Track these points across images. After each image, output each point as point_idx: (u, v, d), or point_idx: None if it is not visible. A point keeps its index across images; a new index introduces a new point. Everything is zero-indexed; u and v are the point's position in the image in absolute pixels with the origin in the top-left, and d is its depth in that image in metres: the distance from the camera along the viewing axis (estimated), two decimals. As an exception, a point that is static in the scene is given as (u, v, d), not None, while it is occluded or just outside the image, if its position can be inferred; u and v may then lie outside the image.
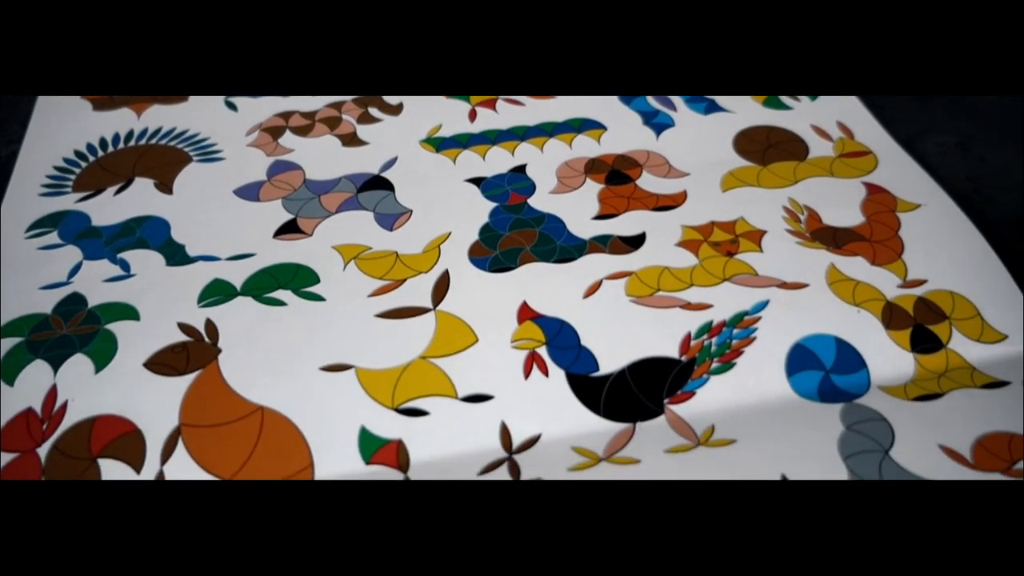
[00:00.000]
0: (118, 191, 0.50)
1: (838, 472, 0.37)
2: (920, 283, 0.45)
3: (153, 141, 0.54)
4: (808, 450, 0.38)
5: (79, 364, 0.40)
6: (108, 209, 0.49)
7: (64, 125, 0.55)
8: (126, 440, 0.37)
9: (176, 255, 0.46)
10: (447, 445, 0.38)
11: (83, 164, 0.52)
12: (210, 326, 0.42)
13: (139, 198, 0.50)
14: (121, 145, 0.54)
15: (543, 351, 0.41)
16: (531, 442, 0.38)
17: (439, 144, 0.54)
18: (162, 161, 0.52)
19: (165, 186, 0.51)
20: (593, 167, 0.52)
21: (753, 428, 0.39)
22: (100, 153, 0.53)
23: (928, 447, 0.38)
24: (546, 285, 0.44)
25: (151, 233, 0.47)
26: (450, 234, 0.47)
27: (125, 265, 0.45)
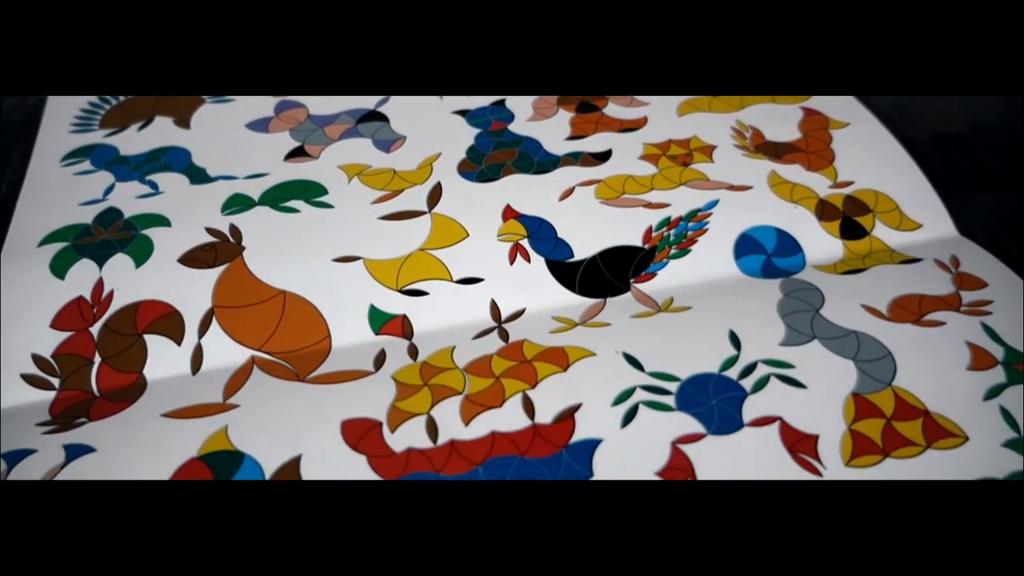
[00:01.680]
0: (141, 127, 0.56)
1: (777, 326, 0.43)
2: (848, 184, 0.52)
3: (168, 87, 0.60)
4: (752, 311, 0.44)
5: (121, 261, 0.46)
6: (133, 142, 0.55)
7: (85, 76, 0.61)
8: (167, 319, 0.43)
9: (198, 176, 0.52)
10: (445, 318, 0.44)
11: (106, 107, 0.58)
12: (234, 229, 0.48)
13: (160, 132, 0.56)
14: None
15: (525, 243, 0.48)
16: (517, 314, 0.45)
17: (427, 85, 0.61)
18: (178, 103, 0.58)
19: (183, 122, 0.56)
20: (564, 100, 0.59)
21: (706, 298, 0.45)
22: (121, 98, 0.59)
23: (852, 306, 0.45)
24: (526, 191, 0.51)
25: (174, 159, 0.53)
26: (440, 154, 0.54)
27: (153, 185, 0.51)
